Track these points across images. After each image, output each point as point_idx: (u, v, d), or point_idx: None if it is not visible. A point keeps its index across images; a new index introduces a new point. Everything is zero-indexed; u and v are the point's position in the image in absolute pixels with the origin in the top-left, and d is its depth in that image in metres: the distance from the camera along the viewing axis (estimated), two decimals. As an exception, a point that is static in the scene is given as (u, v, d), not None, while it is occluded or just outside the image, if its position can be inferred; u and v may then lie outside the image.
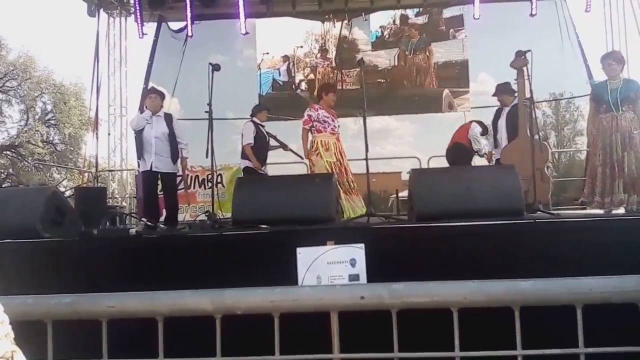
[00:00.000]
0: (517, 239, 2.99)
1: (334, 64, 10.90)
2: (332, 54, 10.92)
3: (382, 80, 10.79)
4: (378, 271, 2.70)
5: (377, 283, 0.84)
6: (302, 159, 7.09)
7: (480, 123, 7.21)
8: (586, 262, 2.74)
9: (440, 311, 0.85)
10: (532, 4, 9.56)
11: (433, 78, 10.69)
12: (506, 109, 6.40)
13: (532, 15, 9.66)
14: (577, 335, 0.87)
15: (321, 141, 5.85)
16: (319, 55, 10.96)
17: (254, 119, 6.95)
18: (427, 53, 10.70)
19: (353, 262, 2.83)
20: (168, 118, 5.81)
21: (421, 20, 10.85)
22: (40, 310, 0.87)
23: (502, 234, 3.02)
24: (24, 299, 0.88)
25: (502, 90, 6.45)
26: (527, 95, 5.84)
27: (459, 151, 6.94)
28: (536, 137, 5.28)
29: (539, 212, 4.11)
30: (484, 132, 7.07)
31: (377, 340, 0.99)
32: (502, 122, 6.44)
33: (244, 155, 6.79)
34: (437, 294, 0.84)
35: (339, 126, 6.12)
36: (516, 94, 5.89)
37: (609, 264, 2.66)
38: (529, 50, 5.16)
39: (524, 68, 5.68)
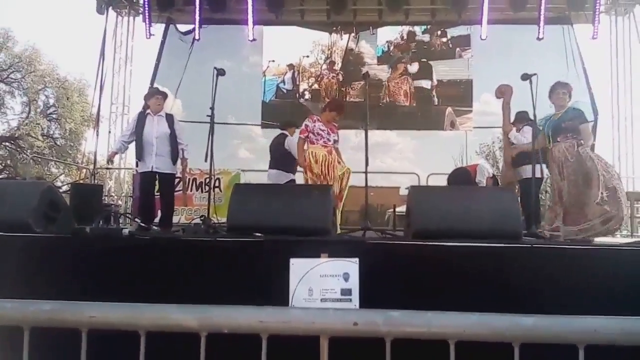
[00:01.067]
0: (513, 263, 2.95)
1: (340, 77, 10.94)
2: (337, 65, 10.95)
3: (386, 95, 10.82)
4: (371, 287, 2.66)
5: (371, 309, 0.80)
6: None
7: (494, 176, 7.37)
8: (581, 289, 2.71)
9: (436, 342, 0.81)
10: (539, 28, 9.62)
11: (401, 96, 10.75)
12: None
13: (538, 39, 9.72)
14: (578, 375, 0.84)
15: (311, 152, 5.80)
16: (324, 66, 10.99)
17: (286, 132, 7.05)
18: (396, 70, 10.79)
19: (346, 277, 2.78)
20: (169, 118, 5.79)
21: (427, 37, 10.92)
22: (18, 316, 0.83)
23: (498, 256, 2.98)
24: (2, 303, 0.84)
25: (517, 118, 6.47)
26: (510, 122, 5.92)
27: (462, 176, 6.95)
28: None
29: (536, 237, 4.09)
30: (495, 182, 7.16)
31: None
32: None
33: (289, 169, 6.89)
34: (435, 325, 0.80)
35: (335, 140, 6.02)
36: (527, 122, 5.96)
37: (605, 293, 2.64)
38: (534, 74, 5.15)
39: (503, 98, 5.76)
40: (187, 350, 0.92)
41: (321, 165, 5.74)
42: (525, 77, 5.11)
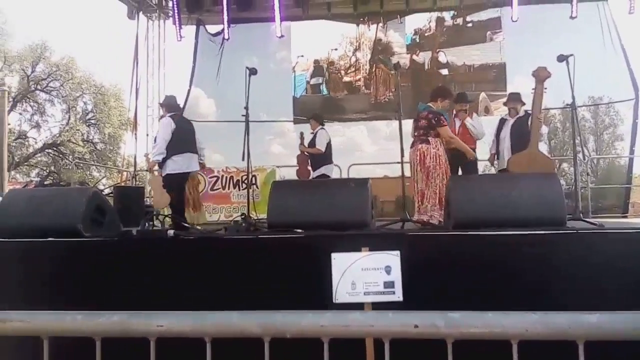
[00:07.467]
0: (558, 250, 2.89)
1: (368, 67, 10.90)
2: (366, 56, 10.90)
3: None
4: (413, 278, 2.65)
5: (431, 311, 0.81)
6: None
7: None
8: (631, 273, 2.64)
9: (497, 341, 0.81)
10: (572, 6, 9.34)
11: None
12: (510, 121, 6.32)
13: (572, 17, 9.43)
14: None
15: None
16: (353, 59, 11.00)
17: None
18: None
19: (388, 270, 2.78)
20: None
21: (457, 22, 10.73)
22: (89, 328, 0.87)
23: (543, 244, 2.92)
24: (74, 315, 0.89)
25: (514, 99, 6.38)
26: (542, 107, 5.77)
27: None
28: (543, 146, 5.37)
29: (581, 221, 3.99)
30: None
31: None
32: (505, 133, 6.32)
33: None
34: (496, 325, 0.80)
35: None
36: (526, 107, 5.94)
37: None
38: (571, 55, 5.02)
39: (545, 80, 5.58)
40: (251, 353, 0.95)
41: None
42: (562, 58, 4.98)
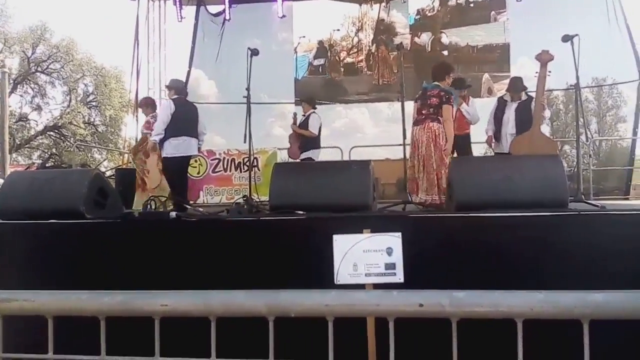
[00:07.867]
0: (560, 231, 2.90)
1: (370, 48, 10.81)
2: (369, 37, 10.80)
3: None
4: (415, 260, 2.66)
5: (436, 290, 0.81)
6: None
7: None
8: (633, 255, 2.65)
9: (501, 321, 0.81)
10: (578, -15, 9.24)
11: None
12: (513, 105, 6.18)
13: (577, -3, 9.34)
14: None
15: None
16: (355, 39, 10.90)
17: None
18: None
19: (389, 251, 2.78)
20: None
21: (460, 2, 10.60)
22: (93, 307, 0.88)
23: (544, 225, 2.93)
24: (79, 295, 0.89)
25: (516, 87, 6.25)
26: (544, 92, 5.68)
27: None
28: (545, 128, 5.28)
29: (583, 203, 3.99)
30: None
31: (426, 349, 0.96)
32: (508, 116, 6.20)
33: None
34: (502, 304, 0.80)
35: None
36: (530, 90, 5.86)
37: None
38: (576, 35, 4.97)
39: (548, 63, 5.49)
40: (254, 332, 0.95)
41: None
42: (566, 38, 4.94)
